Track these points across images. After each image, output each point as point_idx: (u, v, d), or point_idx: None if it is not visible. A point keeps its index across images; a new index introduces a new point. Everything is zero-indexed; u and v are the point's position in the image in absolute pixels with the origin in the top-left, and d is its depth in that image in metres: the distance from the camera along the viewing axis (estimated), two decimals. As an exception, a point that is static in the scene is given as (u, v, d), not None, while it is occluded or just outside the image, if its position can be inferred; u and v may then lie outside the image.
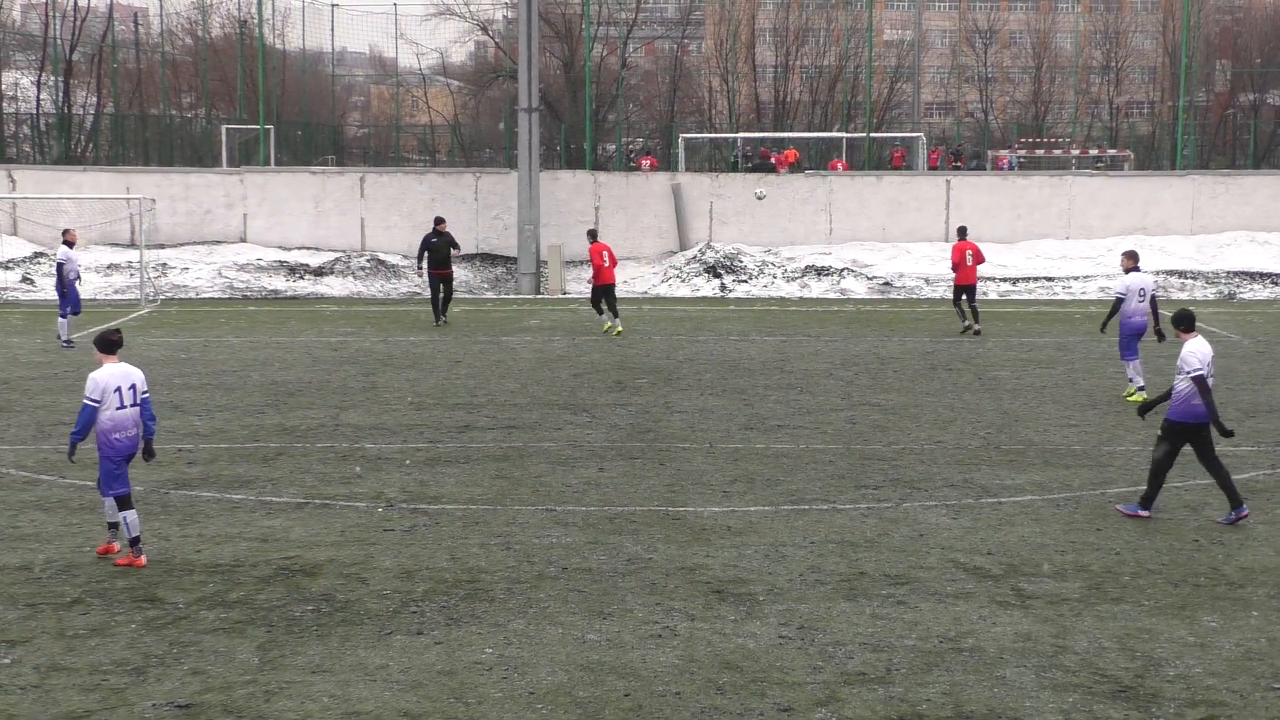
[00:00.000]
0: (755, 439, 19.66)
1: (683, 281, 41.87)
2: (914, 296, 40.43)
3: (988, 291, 40.77)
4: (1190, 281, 41.45)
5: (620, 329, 31.05)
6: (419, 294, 39.71)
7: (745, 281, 41.65)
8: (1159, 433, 15.47)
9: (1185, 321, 15.45)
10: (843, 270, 42.13)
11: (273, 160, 52.38)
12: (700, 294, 40.91)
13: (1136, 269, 23.40)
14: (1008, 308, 37.74)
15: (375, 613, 12.19)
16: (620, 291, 41.37)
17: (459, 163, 64.63)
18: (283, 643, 11.45)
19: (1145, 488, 15.51)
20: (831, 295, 40.65)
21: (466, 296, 40.97)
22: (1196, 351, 15.07)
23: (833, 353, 28.50)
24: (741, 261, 42.51)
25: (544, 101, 53.99)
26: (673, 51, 79.21)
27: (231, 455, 18.68)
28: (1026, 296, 40.45)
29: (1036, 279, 41.68)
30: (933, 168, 59.75)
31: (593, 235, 32.70)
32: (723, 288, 41.34)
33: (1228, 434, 14.85)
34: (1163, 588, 12.86)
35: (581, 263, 41.93)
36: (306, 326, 33.01)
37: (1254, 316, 35.56)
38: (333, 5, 63.50)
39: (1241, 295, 40.47)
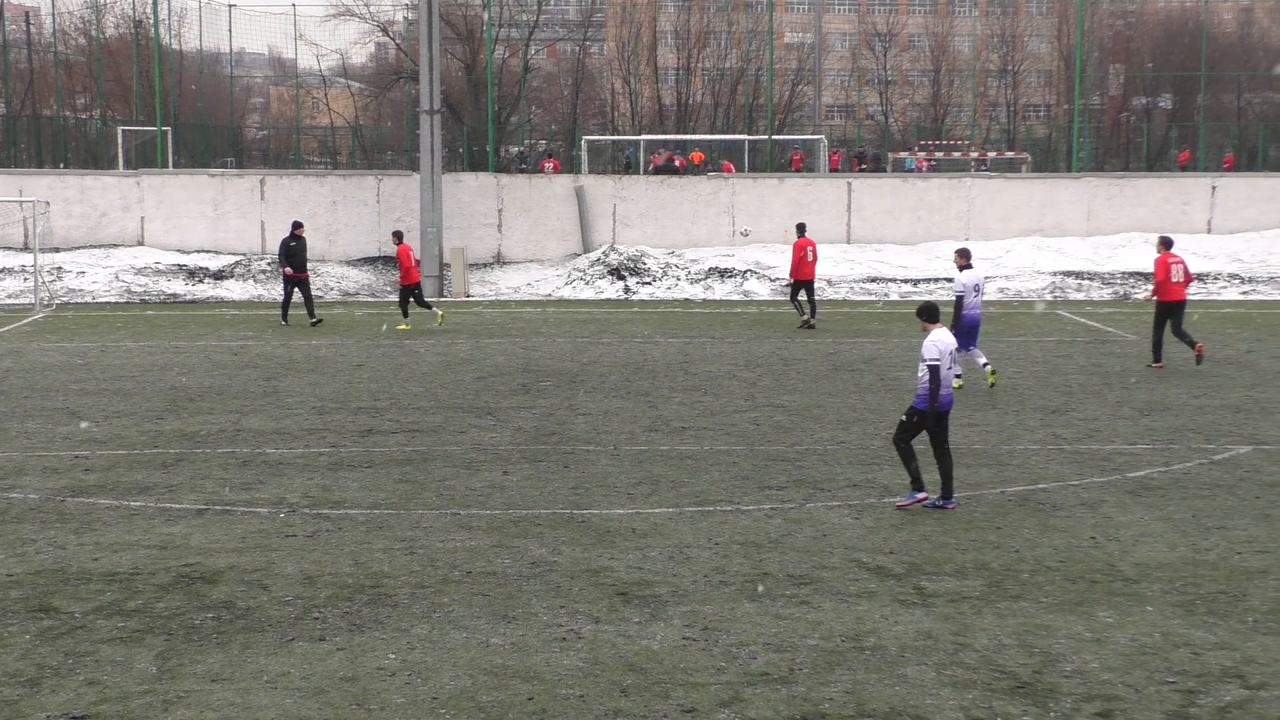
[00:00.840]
0: (660, 441, 19.69)
1: (587, 284, 41.87)
2: (817, 298, 40.65)
3: (889, 292, 41.13)
4: (1086, 282, 42.03)
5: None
6: (320, 296, 39.39)
7: (649, 283, 41.72)
8: (902, 419, 15.85)
9: (928, 312, 16.05)
10: (746, 272, 42.31)
11: (170, 162, 51.80)
12: (604, 296, 40.93)
13: (969, 266, 24.08)
14: (909, 309, 38.05)
15: (277, 619, 12.08)
16: (523, 294, 41.34)
17: (360, 165, 64.32)
18: (182, 651, 11.32)
19: (941, 481, 15.97)
20: (735, 297, 40.82)
21: (369, 300, 40.73)
22: (938, 342, 15.70)
23: (736, 354, 28.61)
24: (645, 263, 42.58)
25: (446, 103, 53.78)
26: (575, 54, 79.26)
27: (130, 462, 18.43)
28: (927, 297, 40.81)
29: (937, 280, 42.08)
30: (834, 170, 60.23)
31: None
32: (626, 290, 41.39)
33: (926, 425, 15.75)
34: (1060, 584, 13.03)
35: (484, 265, 41.81)
36: (206, 331, 32.66)
37: (1148, 317, 36.04)
38: (230, 5, 62.89)
39: (1136, 296, 41.07)
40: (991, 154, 68.38)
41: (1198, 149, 64.29)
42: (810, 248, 32.82)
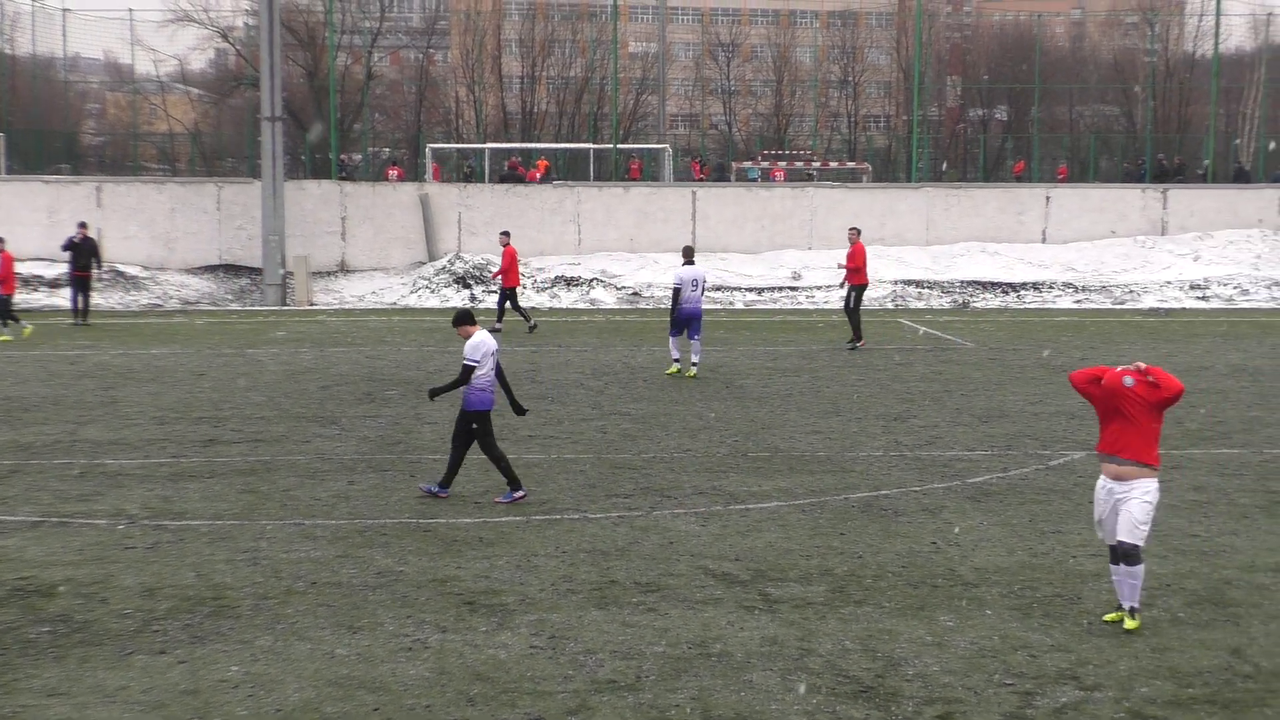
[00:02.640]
0: (506, 449, 19.59)
1: (432, 292, 41.67)
2: (662, 306, 40.85)
3: (734, 300, 41.45)
4: (927, 291, 42.75)
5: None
6: (160, 305, 38.72)
7: (495, 292, 41.62)
8: (473, 426, 16.45)
9: (463, 318, 16.70)
10: (592, 280, 42.41)
11: (3, 169, 50.54)
12: (450, 304, 40.73)
13: (691, 263, 27.00)
14: (753, 317, 38.42)
15: (116, 632, 11.85)
16: (368, 303, 40.99)
17: (200, 172, 63.32)
18: (16, 666, 11.05)
19: (505, 475, 16.69)
20: (581, 305, 40.88)
21: (210, 308, 40.11)
22: (479, 345, 16.40)
23: (583, 362, 28.65)
24: (491, 272, 42.46)
25: (288, 110, 53.16)
26: (419, 61, 78.77)
27: (-39, 474, 17.96)
28: (771, 306, 41.23)
29: (780, 289, 42.52)
30: (699, 179, 60.75)
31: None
32: (472, 298, 41.26)
33: (520, 412, 17.17)
34: (903, 589, 13.23)
35: (328, 273, 41.39)
36: (41, 340, 31.93)
37: (986, 324, 36.84)
38: (64, 10, 61.63)
39: (974, 304, 41.87)
40: (833, 163, 69.27)
41: (1032, 160, 65.76)
42: (514, 255, 34.21)
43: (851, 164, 70.62)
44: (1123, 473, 11.94)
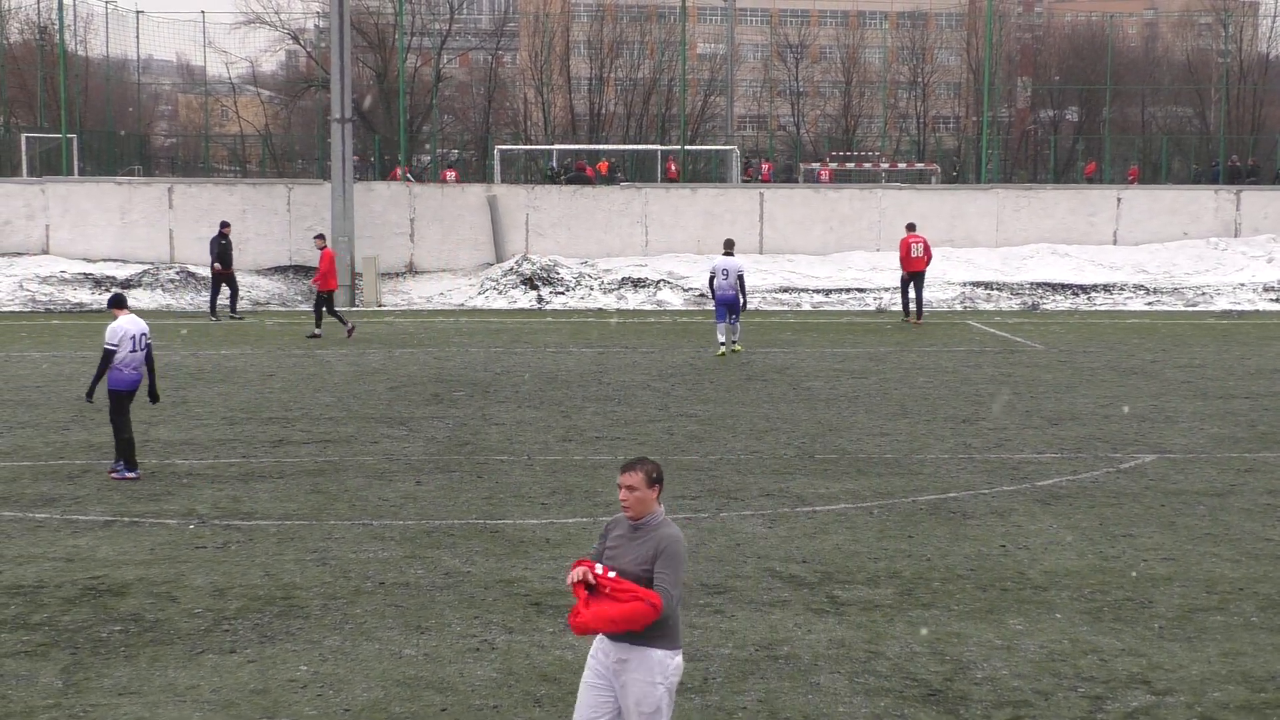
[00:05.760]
0: (573, 451, 19.68)
1: (500, 293, 41.77)
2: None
3: (801, 302, 41.32)
4: (996, 293, 42.47)
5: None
6: (230, 306, 39.02)
7: (562, 293, 41.70)
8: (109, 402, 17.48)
9: (113, 302, 17.83)
10: (659, 282, 42.38)
11: (76, 170, 51.13)
12: (517, 306, 40.84)
13: (729, 254, 29.98)
14: (821, 319, 38.29)
15: (186, 632, 11.95)
16: (436, 304, 41.17)
17: (271, 173, 63.78)
18: (88, 665, 11.16)
19: (122, 453, 17.70)
20: (648, 307, 40.88)
21: (280, 309, 40.40)
22: (117, 330, 17.35)
23: (649, 364, 28.65)
24: (558, 273, 42.54)
25: (357, 112, 53.50)
26: (487, 63, 79.06)
27: (34, 473, 18.17)
28: (839, 307, 41.09)
29: (849, 290, 42.34)
30: (765, 181, 60.65)
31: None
32: (540, 299, 41.33)
33: (153, 399, 18.20)
34: (971, 592, 13.14)
35: (396, 275, 41.58)
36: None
37: (1056, 327, 36.54)
38: (137, 12, 62.20)
39: (1044, 306, 41.55)
40: (902, 165, 68.97)
41: (1103, 161, 65.18)
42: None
43: (920, 165, 70.26)
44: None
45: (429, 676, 10.89)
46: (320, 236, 34.50)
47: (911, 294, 37.05)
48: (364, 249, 42.51)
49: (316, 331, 32.74)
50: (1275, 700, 10.52)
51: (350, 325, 32.88)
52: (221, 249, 36.93)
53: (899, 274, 37.87)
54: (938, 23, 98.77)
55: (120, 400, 17.58)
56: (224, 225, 37.91)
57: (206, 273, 41.98)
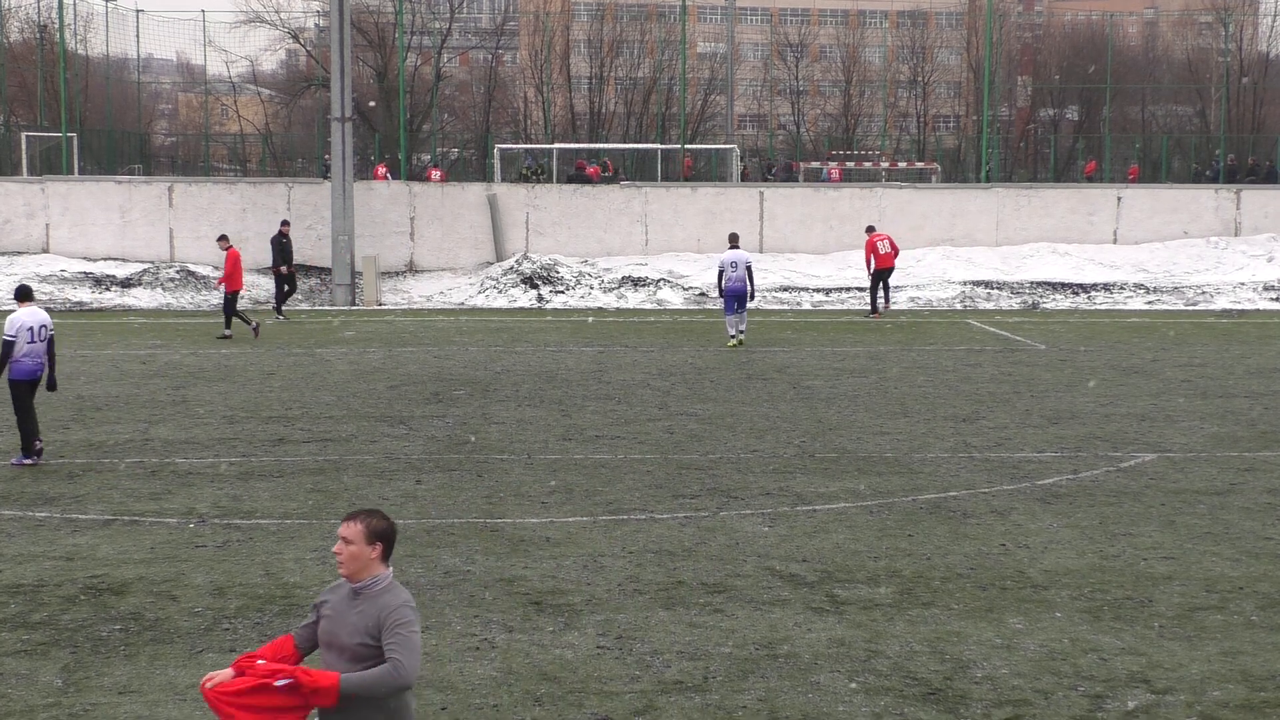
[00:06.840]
0: (573, 450, 19.68)
1: (500, 292, 41.78)
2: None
3: (801, 301, 41.32)
4: (996, 292, 42.47)
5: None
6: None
7: (562, 292, 41.70)
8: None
9: (18, 294, 18.53)
10: (659, 281, 42.38)
11: (76, 169, 51.12)
12: (517, 305, 40.84)
13: (735, 248, 31.43)
14: (821, 317, 38.29)
15: (186, 631, 11.95)
16: (436, 303, 41.18)
17: (271, 172, 63.77)
18: (88, 664, 11.16)
19: (24, 440, 18.34)
20: (648, 305, 40.88)
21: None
22: (14, 321, 18.01)
23: (650, 363, 28.64)
24: (558, 272, 42.54)
25: (357, 111, 53.50)
26: (487, 62, 79.07)
27: (35, 472, 18.17)
28: (839, 306, 41.09)
29: (848, 289, 42.34)
30: (767, 179, 60.67)
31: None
32: (540, 298, 41.34)
33: (50, 388, 18.70)
34: (971, 591, 13.14)
35: (396, 273, 41.55)
36: (113, 339, 32.27)
37: (1056, 326, 36.54)
38: (137, 11, 62.20)
39: (1045, 305, 41.55)
40: (902, 164, 68.96)
41: (1104, 160, 65.16)
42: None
43: (920, 164, 70.25)
44: None
45: (429, 675, 10.89)
46: (223, 238, 33.89)
47: (881, 293, 38.05)
48: (364, 248, 42.52)
49: (226, 333, 32.59)
50: (1275, 699, 10.52)
51: (255, 324, 32.76)
52: (282, 248, 37.17)
53: (867, 275, 38.48)
54: (938, 22, 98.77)
55: (19, 390, 18.18)
56: (284, 224, 38.18)
57: (206, 272, 42.08)
